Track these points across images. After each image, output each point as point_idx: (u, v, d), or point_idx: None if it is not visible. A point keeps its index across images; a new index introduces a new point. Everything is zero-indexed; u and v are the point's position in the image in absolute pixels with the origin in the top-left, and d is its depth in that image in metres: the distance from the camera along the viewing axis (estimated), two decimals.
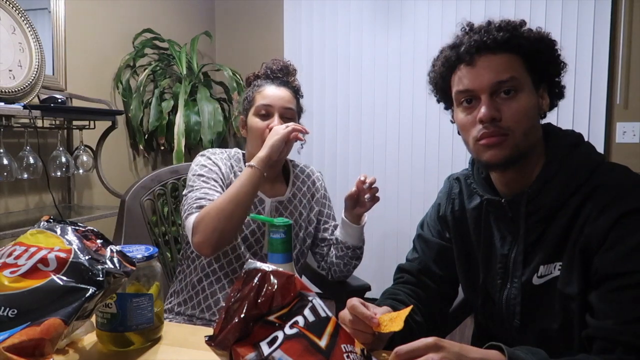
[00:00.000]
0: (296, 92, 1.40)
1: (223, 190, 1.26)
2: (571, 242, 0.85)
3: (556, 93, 0.95)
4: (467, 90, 0.90)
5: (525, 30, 0.90)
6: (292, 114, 1.35)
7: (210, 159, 1.32)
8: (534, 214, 0.90)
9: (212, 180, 1.27)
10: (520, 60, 0.89)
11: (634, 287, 0.76)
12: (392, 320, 0.80)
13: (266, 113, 1.31)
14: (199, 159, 1.33)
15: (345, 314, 0.85)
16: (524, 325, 0.92)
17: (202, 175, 1.28)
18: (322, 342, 0.62)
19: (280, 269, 0.68)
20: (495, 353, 0.71)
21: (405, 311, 0.80)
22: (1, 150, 1.76)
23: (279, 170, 1.41)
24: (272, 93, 1.33)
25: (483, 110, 0.87)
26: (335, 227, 1.46)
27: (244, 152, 1.42)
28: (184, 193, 1.30)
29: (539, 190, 0.89)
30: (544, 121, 0.97)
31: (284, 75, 1.40)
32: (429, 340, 0.68)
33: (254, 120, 1.32)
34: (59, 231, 0.77)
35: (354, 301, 0.84)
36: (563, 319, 0.87)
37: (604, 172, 0.88)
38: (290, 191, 1.40)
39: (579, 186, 0.86)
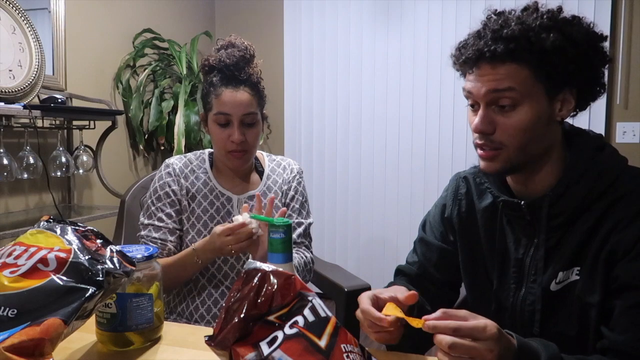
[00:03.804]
0: (256, 87, 1.30)
1: (173, 213, 1.32)
2: (593, 248, 0.83)
3: (590, 92, 0.88)
4: (468, 94, 0.89)
5: (543, 38, 0.81)
6: (252, 118, 1.28)
7: (164, 182, 1.33)
8: (555, 218, 0.87)
9: (160, 212, 1.31)
10: (528, 69, 0.82)
11: None
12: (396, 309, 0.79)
13: (225, 122, 1.27)
14: (157, 177, 1.35)
15: (361, 319, 0.83)
16: (542, 333, 0.89)
17: (154, 204, 1.32)
18: (322, 342, 0.62)
19: (280, 269, 0.68)
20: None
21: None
22: (1, 150, 1.76)
23: (252, 166, 1.39)
24: (230, 99, 1.25)
25: (476, 121, 0.87)
26: (299, 224, 1.40)
27: (211, 150, 1.41)
28: (142, 213, 1.35)
29: (561, 193, 0.86)
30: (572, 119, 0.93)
31: (240, 70, 1.29)
32: (494, 331, 0.68)
33: (213, 128, 1.28)
34: (58, 231, 0.77)
35: (364, 304, 0.81)
36: (580, 326, 0.85)
37: (631, 178, 0.85)
38: (265, 185, 1.38)
39: (604, 191, 0.84)
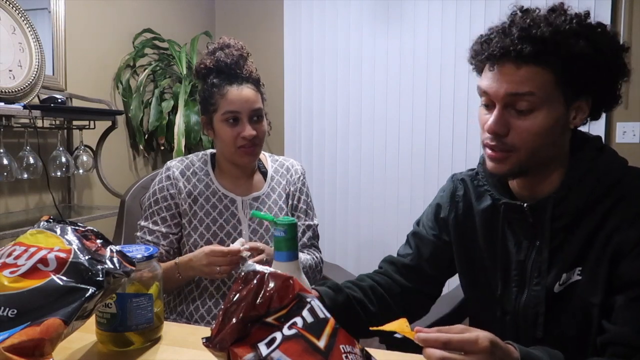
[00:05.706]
0: (258, 83, 1.33)
1: (168, 217, 1.32)
2: (596, 249, 0.83)
3: (604, 103, 0.87)
4: (484, 92, 0.86)
5: (571, 43, 0.79)
6: (259, 112, 1.31)
7: (162, 185, 1.33)
8: (558, 220, 0.87)
9: (155, 215, 1.32)
10: (550, 74, 0.80)
11: None
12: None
13: (234, 119, 1.28)
14: (156, 180, 1.35)
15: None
16: (545, 335, 0.89)
17: (150, 207, 1.33)
18: (321, 343, 0.62)
19: (280, 270, 0.68)
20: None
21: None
22: (1, 150, 1.76)
23: (255, 168, 1.40)
24: (237, 97, 1.27)
25: (490, 122, 0.84)
26: (308, 227, 1.41)
27: (213, 152, 1.41)
28: (142, 213, 1.35)
29: (564, 196, 0.86)
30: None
31: (241, 68, 1.31)
32: (486, 344, 0.66)
33: (222, 128, 1.29)
34: (58, 231, 0.77)
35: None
36: (582, 326, 0.85)
37: (632, 179, 0.85)
38: (269, 186, 1.39)
39: (606, 192, 0.84)
